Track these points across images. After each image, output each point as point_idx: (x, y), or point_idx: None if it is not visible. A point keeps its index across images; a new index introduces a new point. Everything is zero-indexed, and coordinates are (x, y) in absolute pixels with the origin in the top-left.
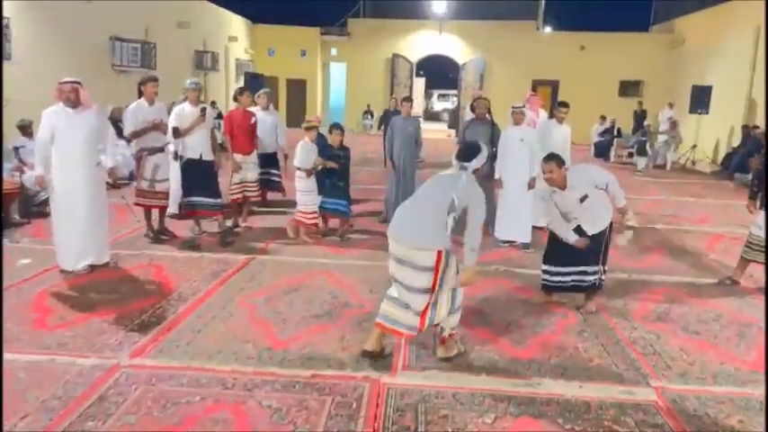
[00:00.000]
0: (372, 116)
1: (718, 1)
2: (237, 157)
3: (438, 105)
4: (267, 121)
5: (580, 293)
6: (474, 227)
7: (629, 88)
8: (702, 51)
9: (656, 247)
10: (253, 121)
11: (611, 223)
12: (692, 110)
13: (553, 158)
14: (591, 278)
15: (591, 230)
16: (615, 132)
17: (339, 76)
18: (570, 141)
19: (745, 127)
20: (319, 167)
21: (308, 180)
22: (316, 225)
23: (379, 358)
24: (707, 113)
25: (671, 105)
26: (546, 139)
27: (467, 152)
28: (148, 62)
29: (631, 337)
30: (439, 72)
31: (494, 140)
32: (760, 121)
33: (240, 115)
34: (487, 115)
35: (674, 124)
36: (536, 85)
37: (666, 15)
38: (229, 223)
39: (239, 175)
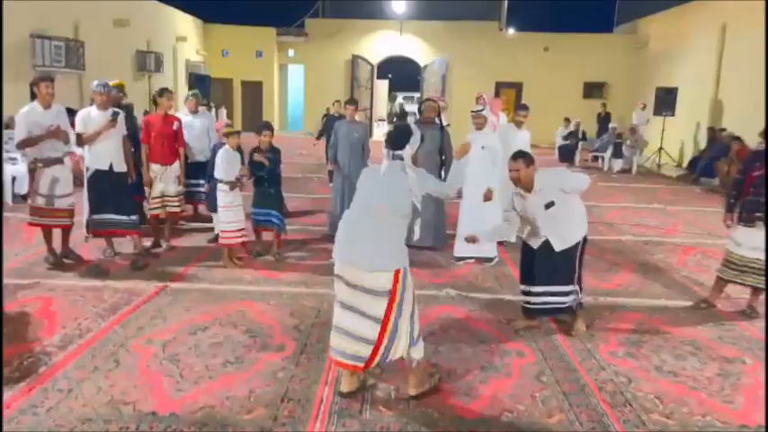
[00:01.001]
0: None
1: (681, 1)
2: (156, 167)
3: (405, 108)
4: (195, 125)
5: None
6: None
7: (593, 90)
8: (667, 52)
9: (625, 263)
10: (175, 128)
11: (585, 238)
12: (657, 112)
13: (521, 156)
14: (569, 299)
15: (559, 245)
16: (580, 135)
17: (297, 78)
18: (530, 146)
19: (710, 129)
20: (245, 179)
21: (231, 194)
22: (243, 244)
23: (360, 392)
24: (672, 115)
25: (644, 106)
26: (505, 143)
27: (397, 138)
28: (75, 62)
29: (598, 381)
30: (404, 74)
31: (443, 146)
32: (726, 123)
33: (159, 120)
34: (437, 119)
35: (632, 130)
36: (499, 87)
37: (630, 16)
38: (149, 243)
39: (159, 187)
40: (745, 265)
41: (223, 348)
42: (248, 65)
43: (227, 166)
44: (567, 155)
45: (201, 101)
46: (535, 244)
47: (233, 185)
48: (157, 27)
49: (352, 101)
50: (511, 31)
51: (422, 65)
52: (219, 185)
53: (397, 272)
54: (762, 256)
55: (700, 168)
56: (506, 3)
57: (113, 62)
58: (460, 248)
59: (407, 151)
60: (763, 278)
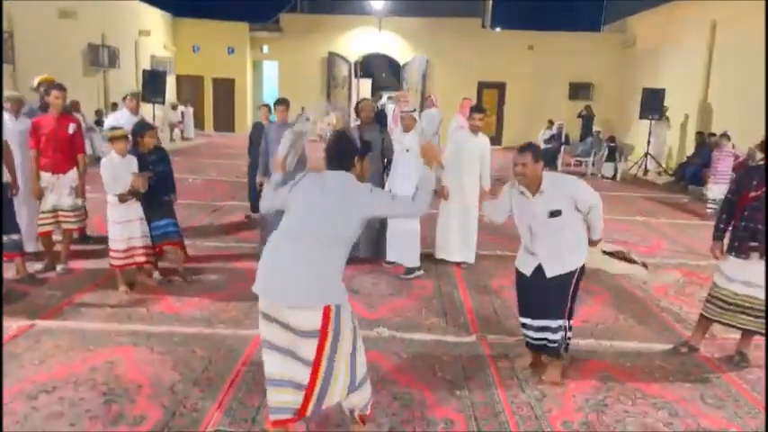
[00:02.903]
0: (307, 119)
1: None
2: (46, 176)
3: (388, 108)
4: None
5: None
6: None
7: (579, 91)
8: (654, 51)
9: (598, 291)
10: (71, 131)
11: (583, 267)
12: (643, 114)
13: (529, 149)
14: (556, 336)
15: (552, 269)
16: (563, 139)
17: (272, 75)
18: (489, 156)
19: (699, 134)
20: (142, 189)
21: (122, 207)
22: (142, 263)
23: None
24: (659, 119)
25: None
26: (459, 153)
27: (339, 153)
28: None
29: None
30: (390, 72)
31: (384, 150)
32: (716, 127)
33: (51, 122)
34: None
35: (612, 137)
36: (482, 87)
37: (618, 14)
38: (39, 266)
39: (50, 200)
40: (736, 304)
41: (62, 421)
42: (220, 61)
43: (111, 177)
44: (549, 159)
45: (156, 99)
46: (528, 269)
47: (123, 198)
48: (115, 20)
49: (282, 101)
50: (494, 28)
51: (401, 63)
52: (108, 197)
53: (327, 309)
54: (757, 293)
55: (688, 175)
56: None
57: (58, 56)
58: (389, 253)
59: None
60: (757, 320)
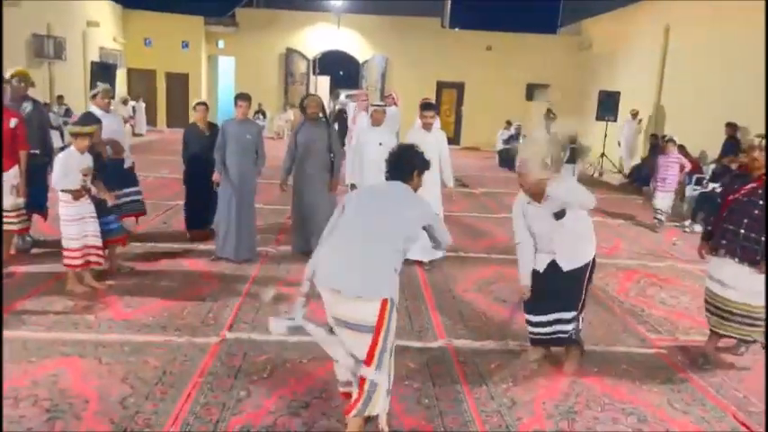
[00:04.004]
0: (264, 116)
1: (626, 2)
2: None
3: (350, 107)
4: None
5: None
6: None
7: (537, 92)
8: (610, 55)
9: None
10: (12, 125)
11: (594, 260)
12: (599, 116)
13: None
14: (569, 327)
15: (567, 264)
16: (520, 140)
17: (229, 70)
18: (447, 151)
19: (653, 136)
20: (94, 191)
21: (76, 204)
22: (95, 264)
23: None
24: (614, 120)
25: (635, 114)
26: None
27: (401, 167)
28: None
29: None
30: (348, 71)
31: (331, 145)
32: (668, 129)
33: None
34: (321, 115)
35: (573, 140)
36: (441, 87)
37: (575, 17)
38: None
39: None
40: (718, 308)
41: None
42: (173, 55)
43: (63, 171)
44: (507, 160)
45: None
46: (540, 265)
47: (77, 194)
48: (61, 9)
49: (244, 96)
50: (453, 28)
51: (360, 61)
52: (60, 195)
53: (385, 302)
54: (735, 296)
55: (643, 176)
56: None
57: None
58: None
59: (417, 183)
60: (746, 327)
